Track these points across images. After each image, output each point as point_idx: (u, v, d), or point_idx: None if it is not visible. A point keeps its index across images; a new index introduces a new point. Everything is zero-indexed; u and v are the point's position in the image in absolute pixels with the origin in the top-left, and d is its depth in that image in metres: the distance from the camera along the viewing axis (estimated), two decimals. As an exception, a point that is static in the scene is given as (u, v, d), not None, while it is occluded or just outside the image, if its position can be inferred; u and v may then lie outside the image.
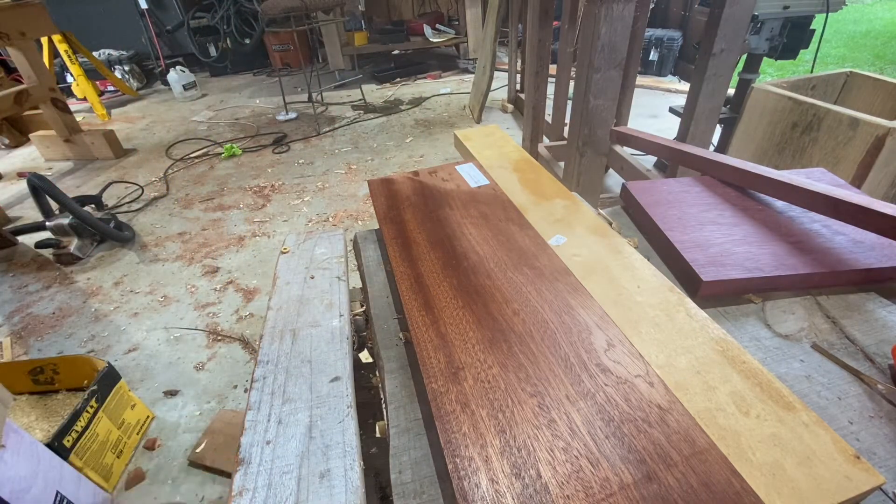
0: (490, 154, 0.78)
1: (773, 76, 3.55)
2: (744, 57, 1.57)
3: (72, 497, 0.93)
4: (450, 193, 0.68)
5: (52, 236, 1.76)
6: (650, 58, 3.53)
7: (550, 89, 2.21)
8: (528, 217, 0.61)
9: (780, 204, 0.64)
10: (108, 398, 1.05)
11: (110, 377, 1.06)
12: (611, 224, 0.64)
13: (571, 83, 1.76)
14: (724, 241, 0.57)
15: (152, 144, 2.74)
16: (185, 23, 3.76)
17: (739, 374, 0.39)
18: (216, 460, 1.18)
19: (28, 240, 1.86)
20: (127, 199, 2.19)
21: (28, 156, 2.76)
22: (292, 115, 3.26)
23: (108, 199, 2.16)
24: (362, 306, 0.59)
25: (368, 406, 0.54)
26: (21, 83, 2.32)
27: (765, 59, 1.60)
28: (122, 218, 1.97)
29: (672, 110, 1.85)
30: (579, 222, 0.60)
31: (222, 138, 2.82)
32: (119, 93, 3.58)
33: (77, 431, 0.97)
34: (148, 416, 1.19)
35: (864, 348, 0.47)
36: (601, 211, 0.69)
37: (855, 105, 1.45)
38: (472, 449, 0.35)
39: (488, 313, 0.46)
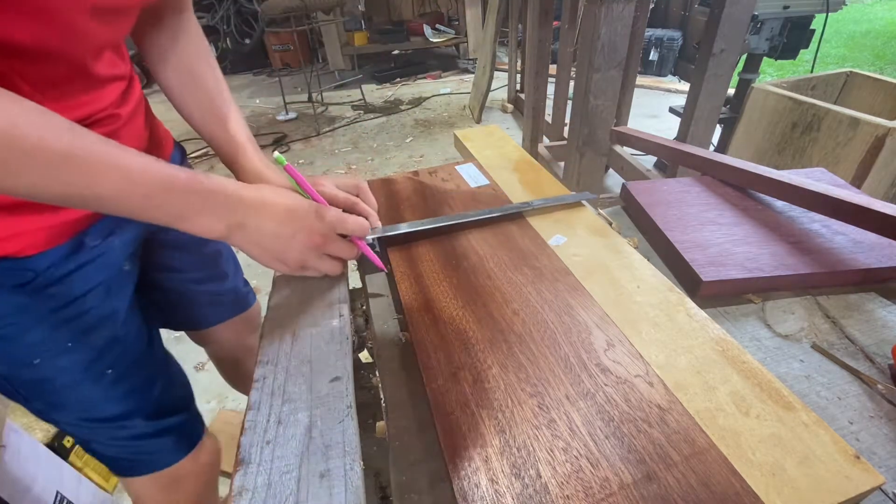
0: (490, 154, 0.78)
1: (773, 76, 3.54)
2: (744, 57, 1.57)
3: (72, 497, 0.93)
4: (450, 193, 0.68)
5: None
6: (650, 58, 3.53)
7: (550, 89, 2.21)
8: (528, 217, 0.61)
9: (780, 204, 0.64)
10: (108, 398, 1.05)
11: (110, 377, 1.06)
12: (611, 224, 0.64)
13: (571, 83, 1.76)
14: (724, 241, 0.57)
15: (152, 144, 2.74)
16: (185, 23, 3.75)
17: (739, 374, 0.39)
18: (216, 460, 1.18)
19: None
20: (127, 199, 2.18)
21: (28, 156, 2.77)
22: (292, 115, 3.26)
23: (108, 199, 2.16)
24: (362, 306, 0.59)
25: (368, 406, 0.54)
26: (21, 83, 2.31)
27: (765, 59, 1.60)
28: (122, 218, 1.96)
29: (672, 110, 1.85)
30: (579, 222, 0.60)
31: (222, 138, 2.82)
32: (119, 93, 3.57)
33: (77, 431, 0.97)
34: (148, 416, 1.19)
35: (864, 348, 0.47)
36: (601, 211, 0.69)
37: (855, 105, 1.45)
38: (472, 449, 0.35)
39: (488, 313, 0.47)
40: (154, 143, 0.63)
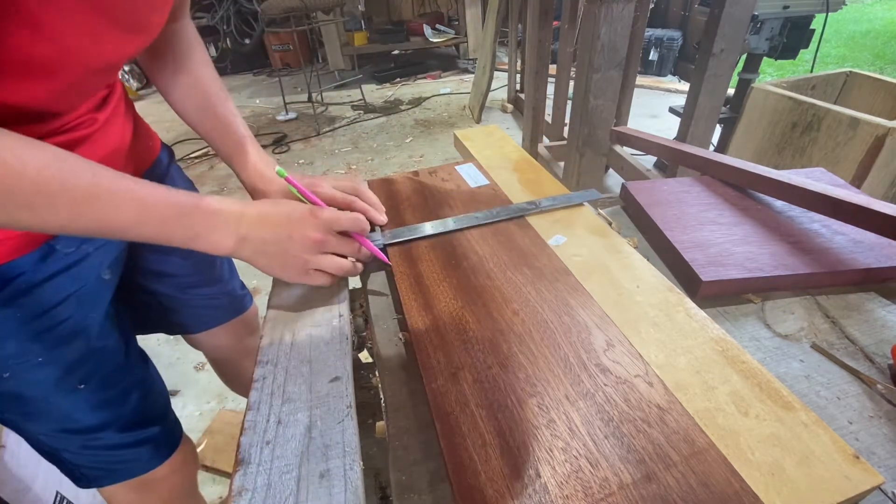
0: (490, 154, 0.78)
1: (773, 76, 3.54)
2: (744, 57, 1.57)
3: (71, 497, 0.93)
4: (450, 193, 0.68)
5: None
6: (650, 58, 3.53)
7: (550, 89, 2.21)
8: (528, 217, 0.61)
9: (779, 204, 0.64)
10: (108, 398, 1.05)
11: (110, 377, 1.06)
12: (611, 224, 0.64)
13: (571, 83, 1.76)
14: (724, 241, 0.57)
15: (152, 144, 2.74)
16: (185, 23, 3.75)
17: (739, 374, 0.39)
18: (216, 460, 1.18)
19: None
20: (127, 200, 2.18)
21: (28, 156, 2.77)
22: (292, 115, 3.26)
23: (109, 200, 2.16)
24: (362, 306, 0.59)
25: (368, 406, 0.54)
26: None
27: (765, 59, 1.60)
28: (122, 218, 1.96)
29: (672, 110, 1.85)
30: (579, 222, 0.60)
31: (222, 138, 2.82)
32: (119, 93, 3.57)
33: (77, 431, 0.97)
34: (148, 416, 1.19)
35: (864, 348, 0.47)
36: (601, 211, 0.69)
37: (855, 105, 1.45)
38: (472, 449, 0.35)
39: (488, 313, 0.47)
40: (137, 143, 0.61)
